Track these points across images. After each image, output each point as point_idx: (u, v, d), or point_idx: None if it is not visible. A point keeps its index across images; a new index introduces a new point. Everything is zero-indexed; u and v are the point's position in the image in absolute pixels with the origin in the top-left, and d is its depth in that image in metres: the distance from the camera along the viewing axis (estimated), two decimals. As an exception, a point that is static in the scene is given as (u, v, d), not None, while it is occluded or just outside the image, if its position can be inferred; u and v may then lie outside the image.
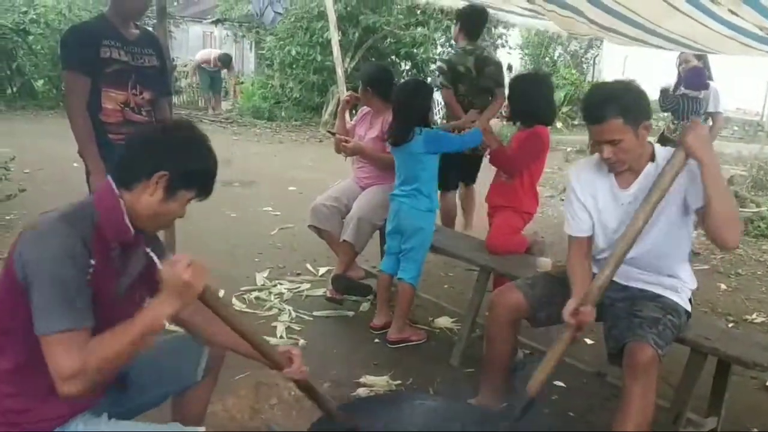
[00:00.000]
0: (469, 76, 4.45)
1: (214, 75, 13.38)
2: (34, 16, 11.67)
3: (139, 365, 1.88)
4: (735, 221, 2.32)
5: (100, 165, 3.05)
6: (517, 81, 3.71)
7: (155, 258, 1.83)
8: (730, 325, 4.26)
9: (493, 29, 13.00)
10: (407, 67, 13.37)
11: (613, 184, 2.48)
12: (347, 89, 4.89)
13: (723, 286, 5.06)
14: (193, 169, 1.72)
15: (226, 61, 13.40)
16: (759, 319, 4.42)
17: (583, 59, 18.07)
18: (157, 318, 1.57)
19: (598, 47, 17.25)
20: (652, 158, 2.41)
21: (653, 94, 6.04)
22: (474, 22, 4.53)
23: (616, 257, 2.27)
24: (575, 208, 2.57)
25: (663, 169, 2.25)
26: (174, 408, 2.13)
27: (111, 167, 1.76)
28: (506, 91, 4.09)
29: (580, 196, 2.54)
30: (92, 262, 1.59)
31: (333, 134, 4.11)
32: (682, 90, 5.54)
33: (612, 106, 2.26)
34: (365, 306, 4.07)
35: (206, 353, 2.06)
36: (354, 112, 4.54)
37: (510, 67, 18.88)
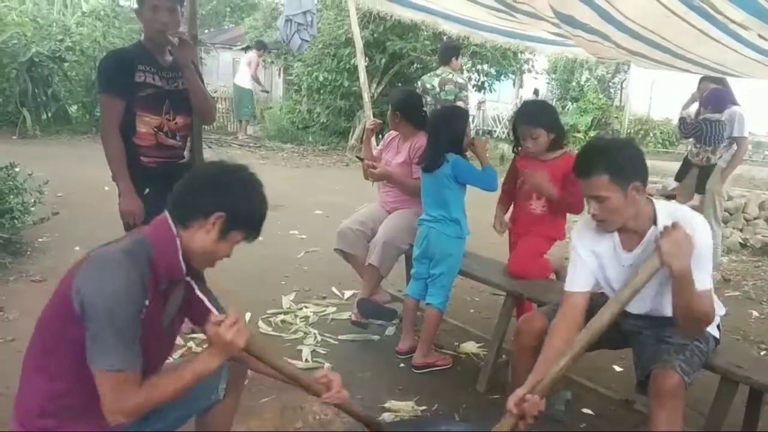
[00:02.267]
0: (433, 91, 5.96)
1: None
2: (70, 44, 11.96)
3: None
4: (697, 324, 2.29)
5: (130, 186, 3.13)
6: (543, 107, 3.62)
7: (199, 292, 1.95)
8: (762, 353, 4.17)
9: (519, 55, 13.02)
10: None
11: (617, 245, 2.41)
12: (373, 114, 4.95)
13: (755, 313, 4.97)
14: (249, 212, 1.79)
15: (262, 44, 13.21)
16: (793, 348, 4.32)
17: (610, 84, 18.03)
18: (205, 370, 1.73)
19: (626, 72, 17.21)
20: (655, 221, 2.33)
21: (683, 113, 6.02)
22: (443, 52, 6.20)
23: (574, 351, 2.16)
24: (575, 264, 2.49)
25: (638, 270, 2.20)
26: (197, 428, 2.15)
27: (169, 202, 1.79)
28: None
29: (582, 254, 2.47)
30: (146, 302, 1.66)
31: (361, 160, 4.13)
32: (703, 113, 5.48)
33: (600, 162, 2.22)
34: (391, 330, 4.06)
35: (226, 372, 2.08)
36: (380, 137, 4.58)
37: (536, 92, 18.93)
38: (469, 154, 3.61)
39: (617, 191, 2.22)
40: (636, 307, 2.46)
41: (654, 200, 2.39)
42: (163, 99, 3.18)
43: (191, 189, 1.78)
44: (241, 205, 1.76)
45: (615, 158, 2.22)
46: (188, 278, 1.89)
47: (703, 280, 2.23)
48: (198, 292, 1.94)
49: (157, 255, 1.71)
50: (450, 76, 6.01)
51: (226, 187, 1.76)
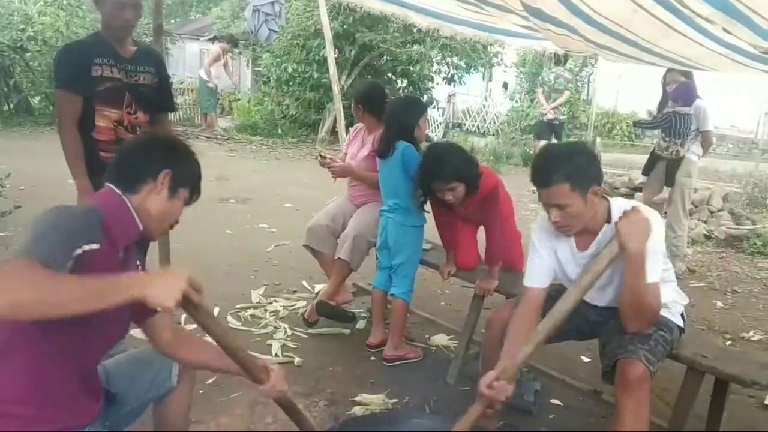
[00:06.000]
0: (549, 83, 9.80)
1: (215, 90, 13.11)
2: (32, 34, 11.68)
3: (115, 379, 1.95)
4: (640, 315, 2.31)
5: (87, 184, 2.97)
6: (450, 157, 3.20)
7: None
8: (728, 342, 4.26)
9: (488, 48, 13.07)
10: (403, 85, 13.44)
11: (572, 246, 2.46)
12: (343, 106, 4.93)
13: (719, 304, 5.06)
14: (190, 168, 1.87)
15: (231, 38, 13.16)
16: (756, 337, 4.41)
17: (577, 77, 18.19)
18: (112, 291, 1.43)
19: (593, 65, 17.37)
20: (609, 219, 2.37)
21: (647, 112, 6.10)
22: (557, 56, 8.80)
23: (538, 336, 2.18)
24: (534, 260, 2.53)
25: (599, 254, 2.23)
26: (155, 416, 2.14)
27: (110, 175, 1.80)
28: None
29: (540, 249, 2.51)
30: (96, 246, 1.56)
31: (324, 157, 3.99)
32: (673, 107, 5.55)
33: (559, 170, 2.22)
34: (361, 323, 4.05)
35: None
36: (349, 129, 4.55)
37: (506, 85, 19.00)
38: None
39: (578, 198, 2.24)
40: (598, 299, 2.52)
41: (610, 199, 2.42)
42: (122, 92, 3.07)
43: (133, 156, 1.84)
44: (182, 162, 1.85)
45: (573, 166, 2.23)
46: (138, 262, 1.89)
47: (654, 272, 2.26)
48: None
49: (108, 217, 1.67)
50: (562, 72, 9.84)
51: (165, 148, 1.85)
